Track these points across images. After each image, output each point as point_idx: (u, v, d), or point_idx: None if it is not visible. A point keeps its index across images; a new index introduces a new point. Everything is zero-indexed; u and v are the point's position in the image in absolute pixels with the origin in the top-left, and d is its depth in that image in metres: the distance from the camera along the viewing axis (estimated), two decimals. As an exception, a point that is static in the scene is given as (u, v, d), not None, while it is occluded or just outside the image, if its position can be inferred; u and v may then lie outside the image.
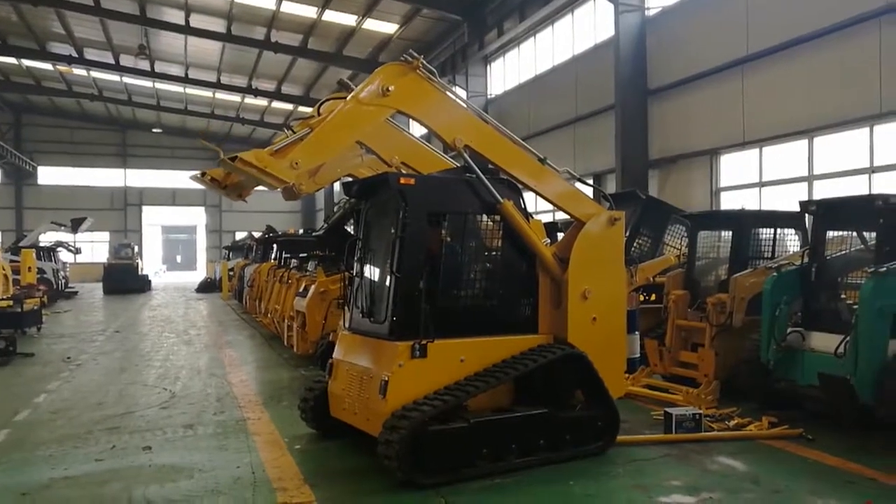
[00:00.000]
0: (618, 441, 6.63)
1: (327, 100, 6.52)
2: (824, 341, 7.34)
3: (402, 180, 6.16)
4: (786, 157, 13.70)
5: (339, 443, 6.86)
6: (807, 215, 8.75)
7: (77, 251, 33.42)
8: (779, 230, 9.65)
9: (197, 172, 7.21)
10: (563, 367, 6.47)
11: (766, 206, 13.61)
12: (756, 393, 8.13)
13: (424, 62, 6.27)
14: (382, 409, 5.84)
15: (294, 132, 6.69)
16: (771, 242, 9.58)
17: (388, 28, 25.84)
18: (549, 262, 6.74)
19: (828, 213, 7.90)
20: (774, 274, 8.03)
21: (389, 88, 6.11)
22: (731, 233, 9.67)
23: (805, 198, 13.03)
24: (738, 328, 8.67)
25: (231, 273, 28.96)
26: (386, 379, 5.91)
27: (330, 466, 6.33)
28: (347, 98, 6.23)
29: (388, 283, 6.30)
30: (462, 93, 23.51)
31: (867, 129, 11.98)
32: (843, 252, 8.04)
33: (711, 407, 8.06)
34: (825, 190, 12.60)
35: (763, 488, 5.65)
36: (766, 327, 7.79)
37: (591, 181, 15.89)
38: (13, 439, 7.37)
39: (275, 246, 19.78)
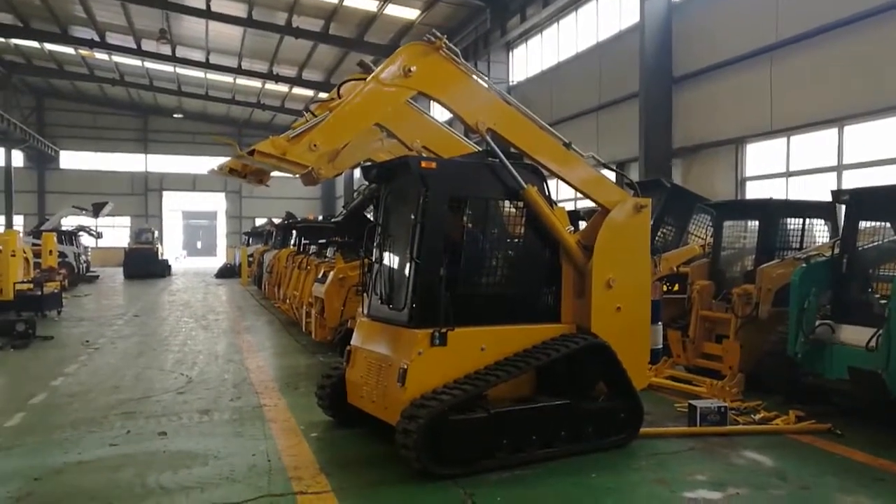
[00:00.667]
0: (641, 433, 6.48)
1: (347, 80, 6.38)
2: (855, 335, 7.11)
3: (424, 164, 6.01)
4: (814, 147, 13.37)
5: (355, 431, 6.77)
6: (837, 205, 8.52)
7: (98, 235, 33.68)
8: (807, 220, 9.41)
9: (215, 166, 7.14)
10: (587, 358, 6.31)
11: (794, 196, 13.29)
12: (782, 386, 7.94)
13: (447, 42, 6.10)
14: (401, 398, 5.73)
15: (314, 115, 6.57)
16: (799, 233, 9.34)
17: (410, 14, 25.65)
18: (573, 250, 6.58)
19: (861, 202, 7.63)
20: (803, 265, 7.80)
21: (411, 69, 5.95)
22: (757, 222, 9.44)
23: (834, 188, 12.75)
24: (764, 320, 8.47)
25: (250, 259, 29.04)
26: (405, 367, 5.79)
27: (346, 455, 6.23)
28: (368, 79, 6.08)
29: (407, 269, 6.17)
30: (483, 79, 23.23)
31: (900, 118, 11.65)
32: (876, 243, 7.79)
33: (736, 400, 7.88)
34: (855, 180, 12.26)
35: (790, 484, 5.48)
36: (794, 319, 7.55)
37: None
38: (29, 423, 7.34)
39: (294, 232, 19.75)
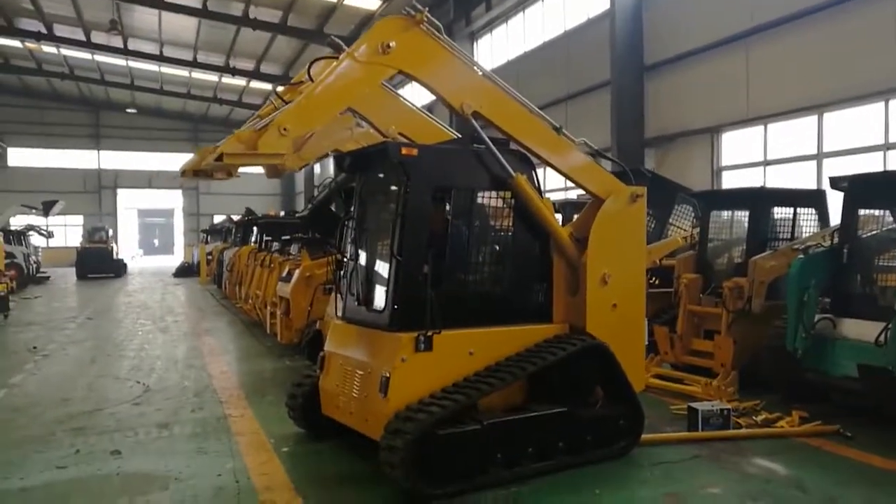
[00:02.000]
0: (640, 440, 6.01)
1: (317, 60, 5.74)
2: (859, 329, 6.75)
3: (405, 151, 5.40)
4: (793, 135, 13.10)
5: (331, 444, 6.16)
6: (830, 193, 8.16)
7: (49, 235, 32.28)
8: (797, 209, 9.05)
9: (180, 171, 6.51)
10: (584, 360, 5.79)
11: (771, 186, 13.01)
12: (781, 383, 7.55)
13: (429, 15, 5.52)
14: (383, 410, 5.15)
15: (280, 97, 5.94)
16: (790, 223, 8.97)
17: (371, 4, 24.87)
18: (566, 244, 6.07)
19: (860, 189, 7.26)
20: (801, 256, 7.41)
21: (390, 45, 5.34)
22: (746, 213, 9.05)
23: (813, 176, 12.52)
24: (757, 314, 8.06)
25: (209, 257, 28.03)
26: (387, 375, 5.20)
27: (323, 473, 5.65)
28: (341, 56, 5.46)
29: (388, 267, 5.58)
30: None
31: (882, 104, 11.40)
32: (875, 232, 7.44)
33: (732, 399, 7.48)
34: (835, 168, 12.01)
35: (812, 496, 5.04)
36: (793, 313, 7.17)
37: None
38: (-35, 443, 6.57)
39: (255, 228, 18.94)
